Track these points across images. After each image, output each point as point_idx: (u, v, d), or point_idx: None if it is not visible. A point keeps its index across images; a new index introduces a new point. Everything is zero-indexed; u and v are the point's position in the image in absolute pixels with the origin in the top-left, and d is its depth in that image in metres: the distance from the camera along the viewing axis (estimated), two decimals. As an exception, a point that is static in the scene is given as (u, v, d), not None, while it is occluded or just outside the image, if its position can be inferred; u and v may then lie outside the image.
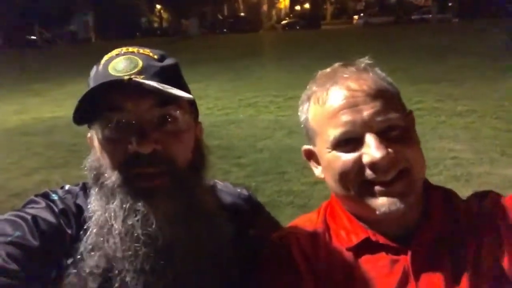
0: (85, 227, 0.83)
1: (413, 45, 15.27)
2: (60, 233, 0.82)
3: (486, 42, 14.11)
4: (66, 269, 0.80)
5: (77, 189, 0.92)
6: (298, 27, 36.33)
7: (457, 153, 5.07)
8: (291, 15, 48.53)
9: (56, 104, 9.97)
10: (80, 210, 0.87)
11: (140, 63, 0.82)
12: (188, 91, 0.88)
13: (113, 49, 0.89)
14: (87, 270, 0.79)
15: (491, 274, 0.79)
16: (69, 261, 0.81)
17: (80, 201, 0.89)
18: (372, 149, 0.78)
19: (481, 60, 11.15)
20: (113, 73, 0.80)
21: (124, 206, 0.78)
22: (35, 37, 32.52)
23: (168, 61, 0.87)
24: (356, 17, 38.32)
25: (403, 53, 13.11)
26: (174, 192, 0.80)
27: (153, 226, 0.77)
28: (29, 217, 0.81)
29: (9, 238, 0.76)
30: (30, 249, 0.76)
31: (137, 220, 0.77)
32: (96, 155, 0.84)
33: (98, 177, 0.82)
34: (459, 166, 4.68)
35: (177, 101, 0.80)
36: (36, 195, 0.89)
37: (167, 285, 0.79)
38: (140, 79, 0.78)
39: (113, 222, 0.78)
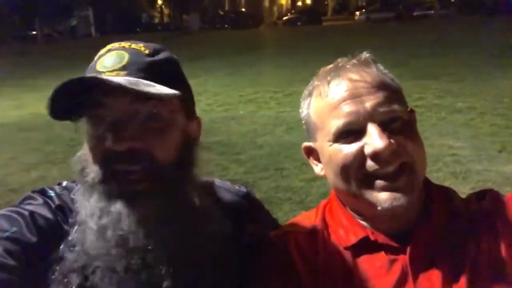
0: (70, 221, 0.83)
1: (414, 41, 15.23)
2: (57, 229, 0.82)
3: (487, 38, 14.06)
4: (51, 265, 0.80)
5: (74, 185, 0.92)
6: (299, 23, 36.18)
7: (457, 150, 5.07)
8: (292, 11, 48.32)
9: (55, 99, 9.94)
10: (76, 206, 0.87)
11: (126, 59, 0.80)
12: (180, 85, 0.85)
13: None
14: (68, 267, 0.79)
15: (490, 274, 0.79)
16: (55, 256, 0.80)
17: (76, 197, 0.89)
18: (374, 139, 0.77)
19: (482, 57, 11.13)
20: (99, 69, 0.80)
21: (98, 205, 0.78)
22: (35, 32, 32.41)
23: (161, 56, 0.85)
24: (357, 13, 38.16)
25: (404, 49, 13.07)
26: (156, 194, 0.78)
27: (125, 229, 0.76)
28: (26, 213, 0.81)
29: (6, 234, 0.76)
30: (27, 245, 0.76)
31: (109, 221, 0.77)
32: (85, 150, 0.84)
33: (82, 172, 0.82)
34: (458, 163, 4.68)
35: (159, 97, 0.77)
36: (33, 191, 0.89)
37: (143, 285, 0.78)
38: (121, 74, 0.77)
39: (89, 219, 0.78)
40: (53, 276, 0.78)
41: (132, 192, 0.77)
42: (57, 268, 0.79)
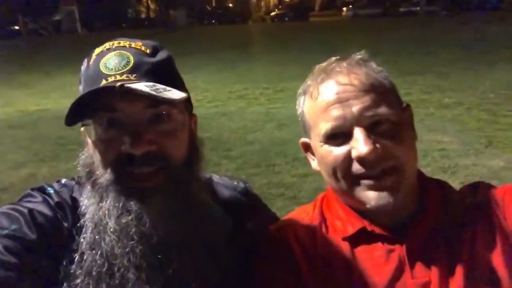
0: (78, 224, 0.83)
1: (400, 37, 15.34)
2: (57, 226, 0.83)
3: (473, 35, 14.25)
4: (66, 266, 0.80)
5: (72, 183, 0.93)
6: (287, 19, 36.19)
7: (445, 145, 5.14)
8: (280, 6, 48.25)
9: (42, 96, 9.80)
10: (75, 203, 0.87)
11: (132, 60, 0.81)
12: (181, 85, 0.88)
13: (99, 40, 0.87)
14: (89, 268, 0.80)
15: (486, 263, 0.82)
16: (72, 258, 0.81)
17: (75, 194, 0.89)
18: (359, 144, 0.80)
19: (468, 53, 11.27)
20: (104, 71, 0.79)
21: (117, 205, 0.78)
22: (18, 28, 31.79)
23: (161, 55, 0.86)
24: (345, 9, 38.27)
25: (391, 45, 13.16)
26: (168, 190, 0.80)
27: (147, 225, 0.78)
28: (25, 211, 0.81)
29: (6, 231, 0.77)
30: (27, 242, 0.77)
31: (131, 219, 0.78)
32: (89, 151, 0.84)
33: (91, 175, 0.82)
34: (446, 158, 4.75)
35: (174, 101, 0.79)
36: (32, 189, 0.89)
37: (167, 280, 0.80)
38: (132, 77, 0.77)
39: (108, 220, 0.79)
40: (75, 276, 0.79)
41: (146, 189, 0.79)
42: (78, 271, 0.80)
